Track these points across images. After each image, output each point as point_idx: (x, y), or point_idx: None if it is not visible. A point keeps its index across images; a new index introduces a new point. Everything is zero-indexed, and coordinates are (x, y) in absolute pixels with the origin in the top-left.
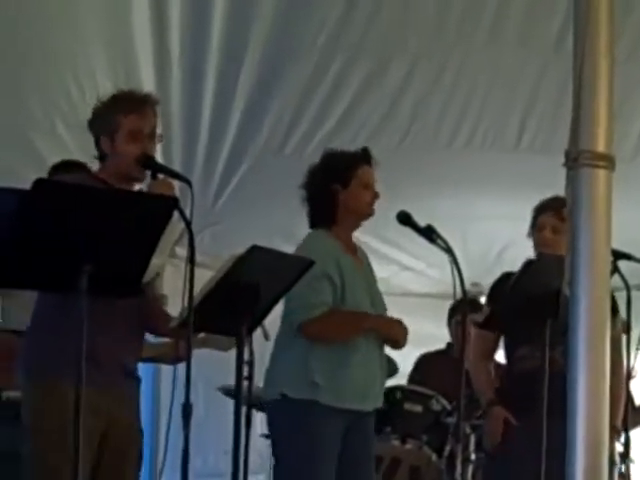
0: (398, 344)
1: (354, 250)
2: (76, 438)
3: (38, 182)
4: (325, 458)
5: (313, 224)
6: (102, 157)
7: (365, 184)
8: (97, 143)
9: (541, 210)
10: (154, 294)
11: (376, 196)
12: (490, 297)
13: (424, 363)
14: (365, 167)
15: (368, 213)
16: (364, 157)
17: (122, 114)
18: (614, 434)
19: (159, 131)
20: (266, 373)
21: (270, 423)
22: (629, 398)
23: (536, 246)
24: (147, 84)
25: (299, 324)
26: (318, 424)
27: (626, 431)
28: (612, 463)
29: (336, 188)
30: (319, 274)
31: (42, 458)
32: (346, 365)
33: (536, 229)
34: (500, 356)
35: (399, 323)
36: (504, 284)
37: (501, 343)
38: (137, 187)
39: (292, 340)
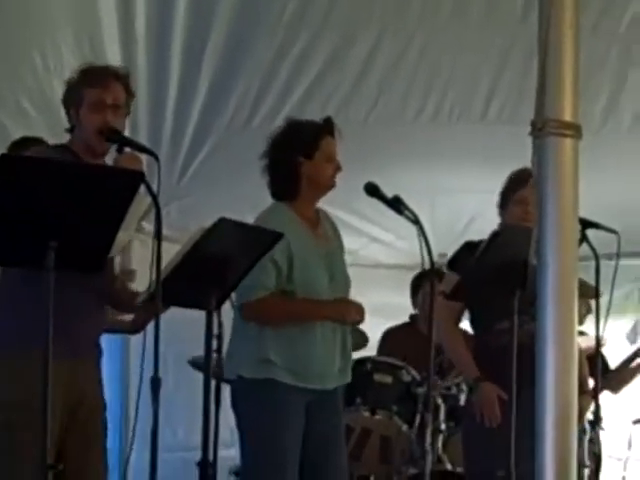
0: (346, 323)
1: (315, 223)
2: (44, 411)
3: (1, 157)
4: (287, 435)
5: (274, 195)
6: (71, 129)
7: (328, 156)
8: (67, 116)
9: (519, 183)
10: (113, 271)
11: (338, 168)
12: (452, 266)
13: (389, 338)
14: (328, 138)
15: (330, 185)
16: (327, 128)
17: (87, 86)
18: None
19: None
20: (226, 353)
21: (232, 403)
22: (603, 363)
23: (511, 219)
24: (113, 60)
25: (239, 305)
26: (277, 402)
27: (596, 398)
28: (582, 430)
29: (299, 160)
30: (266, 257)
31: (10, 433)
32: (303, 343)
33: (514, 202)
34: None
35: (346, 304)
36: (466, 253)
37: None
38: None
39: (244, 319)
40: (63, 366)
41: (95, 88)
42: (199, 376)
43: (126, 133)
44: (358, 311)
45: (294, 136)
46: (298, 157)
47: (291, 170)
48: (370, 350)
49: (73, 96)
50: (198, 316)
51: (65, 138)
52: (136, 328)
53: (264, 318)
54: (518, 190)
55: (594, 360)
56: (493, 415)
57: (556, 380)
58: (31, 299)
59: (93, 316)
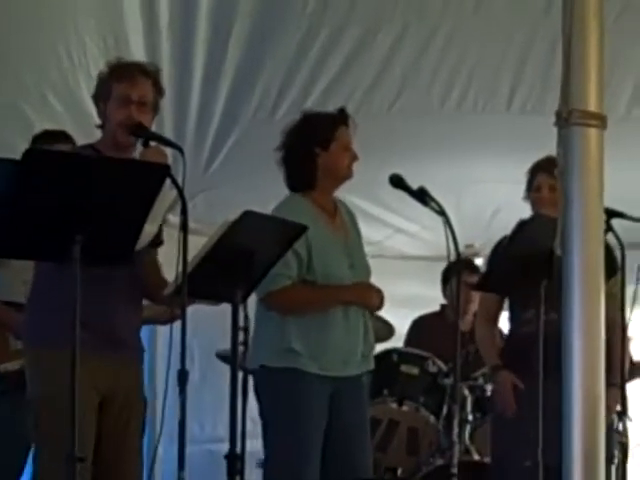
0: (371, 309)
1: (333, 213)
2: (73, 405)
3: (28, 152)
4: (310, 424)
5: (291, 187)
6: (102, 125)
7: (344, 146)
8: (98, 111)
9: (537, 170)
10: (153, 260)
11: (355, 158)
12: (488, 260)
13: (419, 325)
14: (343, 128)
15: (347, 175)
16: (342, 118)
17: (115, 81)
18: (614, 391)
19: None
20: (250, 344)
21: (256, 392)
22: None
23: (534, 206)
24: (136, 52)
25: (262, 295)
26: (300, 391)
27: (623, 389)
28: (610, 421)
29: (316, 151)
30: None
31: (47, 426)
32: (325, 331)
33: (533, 190)
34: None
35: (367, 288)
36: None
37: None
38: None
39: (267, 310)
40: (98, 361)
41: (122, 83)
42: (225, 368)
43: (151, 126)
44: (379, 295)
45: (309, 128)
46: (314, 148)
47: (307, 162)
48: (396, 341)
49: (102, 90)
50: (224, 309)
51: (90, 131)
52: (167, 319)
53: (287, 307)
54: (535, 177)
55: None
56: (507, 403)
57: (583, 371)
58: (64, 294)
59: (131, 310)
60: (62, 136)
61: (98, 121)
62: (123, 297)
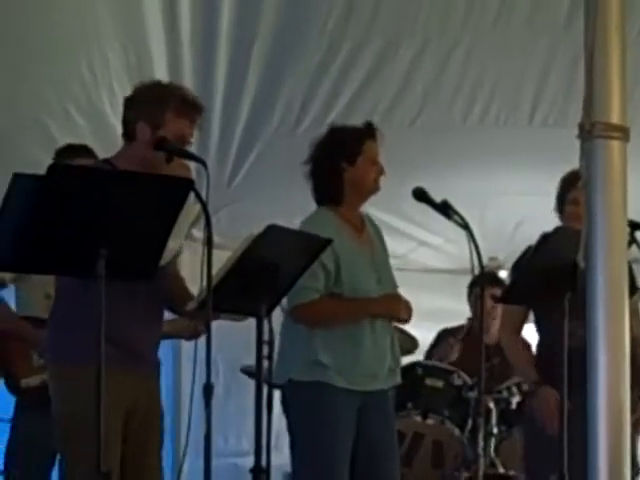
0: (400, 321)
1: (360, 227)
2: (98, 420)
3: (52, 167)
4: (338, 438)
5: (318, 201)
6: (128, 138)
7: (371, 160)
8: (131, 124)
9: (573, 183)
10: (176, 273)
11: (381, 172)
12: (512, 271)
13: (444, 338)
14: (370, 142)
15: (374, 189)
16: (369, 132)
17: (173, 114)
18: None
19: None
20: (276, 356)
21: (283, 406)
22: None
23: (567, 220)
24: (159, 68)
25: (291, 309)
26: (328, 405)
27: None
28: (634, 435)
29: (343, 166)
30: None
31: (75, 442)
32: (352, 344)
33: (568, 202)
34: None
35: (396, 300)
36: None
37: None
38: None
39: (295, 323)
40: (123, 375)
41: (182, 119)
42: (249, 382)
43: None
44: (407, 308)
45: (336, 142)
46: (341, 163)
47: (335, 176)
48: (420, 354)
49: (150, 112)
50: (247, 322)
51: (112, 145)
52: (193, 334)
53: (315, 320)
54: (571, 190)
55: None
56: (553, 420)
57: (608, 384)
58: (89, 308)
59: (152, 324)
60: (84, 150)
61: (119, 134)
62: (145, 312)
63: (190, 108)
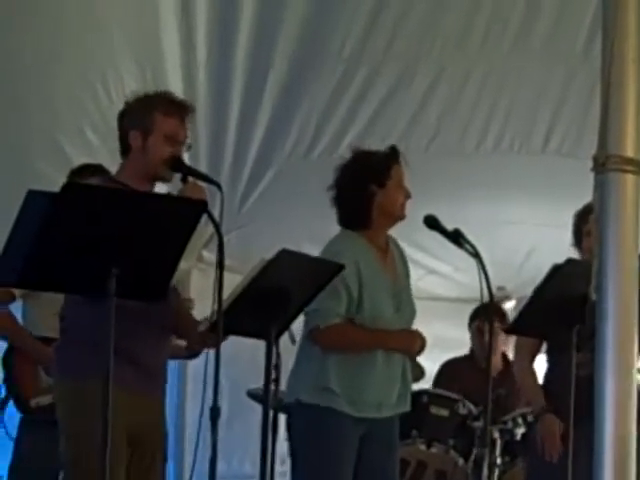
0: (411, 355)
1: (385, 251)
2: (105, 438)
3: (67, 186)
4: (340, 463)
5: (345, 224)
6: (125, 151)
7: (399, 184)
8: (124, 136)
9: (587, 217)
10: (179, 297)
11: (408, 196)
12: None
13: (448, 369)
14: (397, 166)
15: (402, 215)
16: (394, 156)
17: (161, 114)
18: None
19: (188, 140)
20: (288, 376)
21: (288, 427)
22: None
23: (587, 253)
24: (174, 88)
25: (309, 330)
26: (332, 429)
27: None
28: None
29: (373, 189)
30: (339, 282)
31: (84, 460)
32: (364, 373)
33: (585, 235)
34: None
35: (413, 336)
36: None
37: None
38: (163, 189)
39: (311, 344)
40: (129, 398)
41: (171, 119)
42: (253, 405)
43: (186, 162)
44: (421, 342)
45: (365, 165)
46: (371, 186)
47: (364, 200)
48: (427, 382)
49: (140, 119)
50: (253, 345)
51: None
52: (191, 354)
53: (332, 345)
54: (587, 223)
55: None
56: (553, 448)
57: (615, 415)
58: (96, 326)
59: (159, 345)
60: (99, 170)
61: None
62: (155, 331)
63: (177, 106)
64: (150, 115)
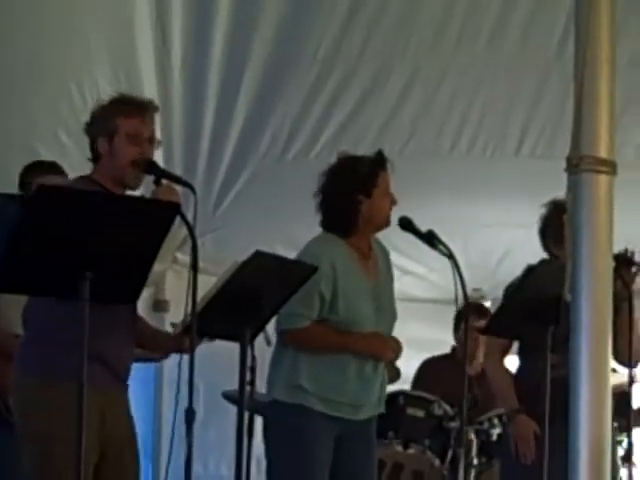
0: (381, 360)
1: (367, 253)
2: (79, 442)
3: (40, 188)
4: (313, 461)
5: (327, 228)
6: (96, 159)
7: (385, 192)
8: (93, 145)
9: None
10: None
11: (394, 202)
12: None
13: (428, 367)
14: (383, 173)
15: (386, 223)
16: (381, 162)
17: (122, 116)
18: None
19: (158, 137)
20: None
21: (264, 426)
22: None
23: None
24: (149, 92)
25: (279, 333)
26: (304, 427)
27: (629, 435)
28: (615, 468)
29: (359, 198)
30: (312, 286)
31: (46, 463)
32: (336, 372)
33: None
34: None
35: (382, 341)
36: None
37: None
38: (137, 192)
39: (284, 345)
40: (97, 397)
41: (132, 119)
42: (229, 407)
43: (161, 164)
44: (394, 348)
45: (351, 173)
46: (358, 196)
47: (350, 209)
48: (402, 383)
49: (105, 125)
50: (228, 347)
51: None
52: (161, 356)
53: (302, 346)
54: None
55: (625, 398)
56: (527, 450)
57: (590, 416)
58: (64, 329)
59: (125, 344)
60: (53, 167)
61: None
62: (121, 330)
63: (136, 106)
64: (112, 120)
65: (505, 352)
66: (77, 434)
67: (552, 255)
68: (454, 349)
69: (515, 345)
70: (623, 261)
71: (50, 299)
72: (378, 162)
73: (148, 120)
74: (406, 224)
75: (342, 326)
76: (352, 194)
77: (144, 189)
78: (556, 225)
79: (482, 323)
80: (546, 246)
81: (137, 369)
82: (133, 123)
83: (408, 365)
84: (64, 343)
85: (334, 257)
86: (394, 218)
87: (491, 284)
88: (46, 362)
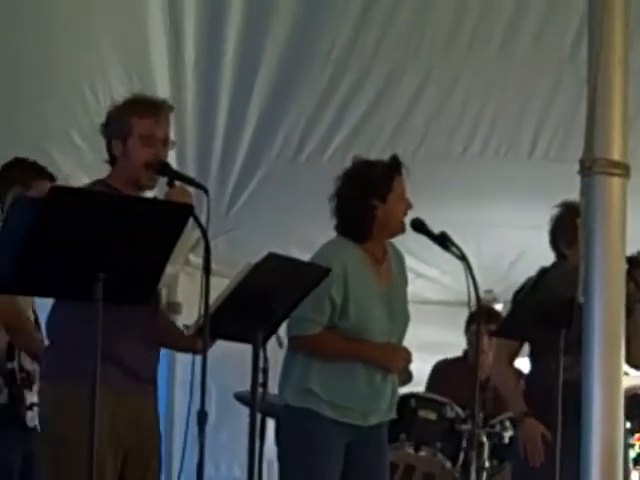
0: (389, 371)
1: (381, 258)
2: (91, 444)
3: (54, 189)
4: (323, 465)
5: (342, 232)
6: (112, 161)
7: (400, 197)
8: (109, 146)
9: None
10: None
11: (409, 207)
12: (512, 301)
13: (440, 370)
14: (398, 178)
15: (402, 228)
16: (396, 167)
17: (136, 117)
18: None
19: (172, 137)
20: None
21: (276, 431)
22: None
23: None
24: (162, 93)
25: (290, 338)
26: (315, 433)
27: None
28: (627, 471)
29: (374, 203)
30: (322, 291)
31: (59, 466)
32: (346, 379)
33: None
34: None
35: (392, 351)
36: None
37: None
38: (149, 194)
39: (294, 351)
40: (110, 397)
41: (146, 119)
42: (241, 409)
43: (174, 165)
44: (404, 358)
45: (367, 179)
46: (373, 201)
47: (366, 214)
48: (414, 386)
49: (119, 126)
50: (241, 349)
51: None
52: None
53: (312, 352)
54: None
55: (637, 400)
56: (536, 452)
57: (602, 419)
58: (80, 332)
59: (144, 348)
60: (33, 167)
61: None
62: (138, 333)
63: (151, 107)
64: (126, 121)
65: (514, 355)
66: (89, 436)
67: (561, 255)
68: (466, 352)
69: (526, 347)
70: (636, 263)
71: (68, 303)
72: (393, 166)
73: (162, 121)
74: (419, 226)
75: (353, 332)
76: (367, 199)
77: (157, 190)
78: (568, 226)
79: (491, 327)
80: (556, 247)
81: None
82: (147, 124)
83: (420, 367)
84: (79, 346)
85: (346, 261)
86: (406, 220)
87: (504, 286)
88: (62, 366)
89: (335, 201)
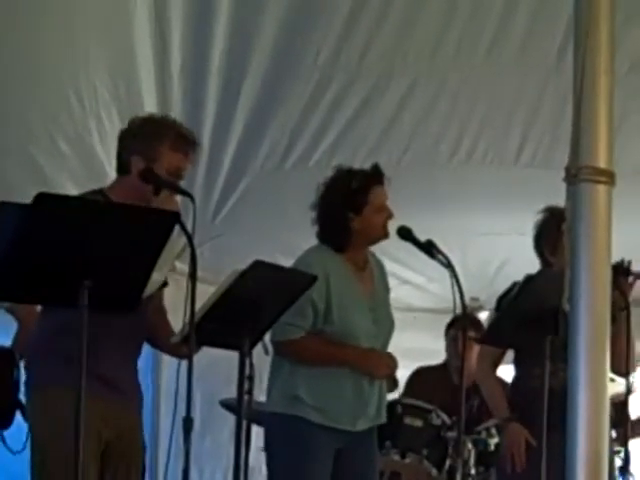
0: (373, 377)
1: (362, 265)
2: (77, 448)
3: (39, 196)
4: (314, 473)
5: (323, 242)
6: (122, 171)
7: (378, 208)
8: (126, 158)
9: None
10: (159, 306)
11: (389, 216)
12: (496, 308)
13: (419, 377)
14: (377, 188)
15: (383, 235)
16: (376, 177)
17: (167, 146)
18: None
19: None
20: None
21: (265, 438)
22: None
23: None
24: (148, 99)
25: (274, 342)
26: (304, 440)
27: (626, 445)
28: (612, 478)
29: (349, 216)
30: (304, 296)
31: (50, 468)
32: (333, 384)
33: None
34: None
35: (376, 358)
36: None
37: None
38: None
39: (279, 356)
40: (103, 404)
41: (177, 153)
42: (225, 415)
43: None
44: (389, 364)
45: (342, 191)
46: (347, 213)
47: (341, 226)
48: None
49: (147, 146)
50: (225, 356)
51: (100, 176)
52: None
53: (296, 358)
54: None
55: (623, 407)
56: (518, 458)
57: (587, 425)
58: (61, 337)
59: (124, 357)
60: None
61: (108, 167)
62: (118, 343)
63: (184, 142)
64: (157, 146)
65: (497, 361)
66: (75, 440)
67: (546, 262)
68: (447, 360)
69: (510, 354)
70: (620, 271)
71: (52, 309)
72: (372, 176)
73: (191, 157)
74: (405, 234)
75: (337, 337)
76: (341, 212)
77: None
78: (552, 232)
79: (471, 334)
80: (540, 252)
81: None
82: (177, 158)
83: (406, 375)
84: (59, 352)
85: (328, 267)
86: (392, 227)
87: (489, 293)
88: (42, 372)
89: (315, 210)
